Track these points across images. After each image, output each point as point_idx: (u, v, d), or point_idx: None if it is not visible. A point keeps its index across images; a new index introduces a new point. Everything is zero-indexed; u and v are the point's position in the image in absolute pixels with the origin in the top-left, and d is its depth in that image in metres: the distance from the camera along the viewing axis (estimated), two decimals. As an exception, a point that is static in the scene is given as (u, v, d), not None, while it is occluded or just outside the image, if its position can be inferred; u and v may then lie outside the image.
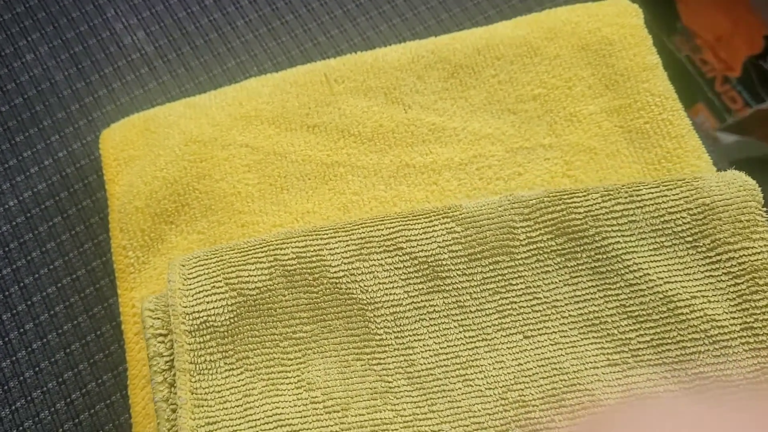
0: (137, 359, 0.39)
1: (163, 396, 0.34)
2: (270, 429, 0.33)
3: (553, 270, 0.36)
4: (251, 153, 0.43)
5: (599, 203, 0.36)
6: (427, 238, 0.36)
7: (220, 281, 0.35)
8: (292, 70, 0.45)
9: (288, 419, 0.33)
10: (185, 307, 0.34)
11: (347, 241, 0.36)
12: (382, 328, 0.35)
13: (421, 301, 0.35)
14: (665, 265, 0.35)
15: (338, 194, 0.42)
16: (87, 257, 0.44)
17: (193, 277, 0.35)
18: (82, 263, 0.44)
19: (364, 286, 0.35)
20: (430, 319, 0.35)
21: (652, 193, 0.36)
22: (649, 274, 0.35)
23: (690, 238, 0.35)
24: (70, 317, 0.43)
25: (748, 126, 0.85)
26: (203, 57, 0.50)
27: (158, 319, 0.35)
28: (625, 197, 0.36)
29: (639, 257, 0.35)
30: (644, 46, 0.44)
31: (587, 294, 0.35)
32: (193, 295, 0.35)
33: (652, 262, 0.35)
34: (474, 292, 0.35)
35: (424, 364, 0.34)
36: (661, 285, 0.34)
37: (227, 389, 0.34)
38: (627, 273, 0.35)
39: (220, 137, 0.43)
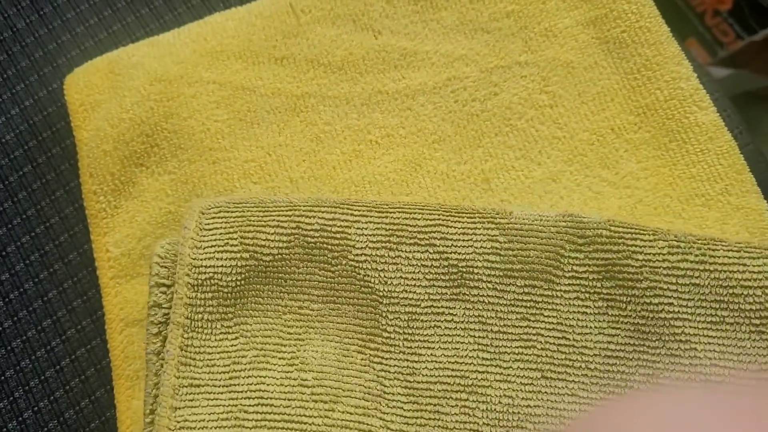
0: (113, 303, 0.38)
1: (155, 348, 0.33)
2: (251, 405, 0.31)
3: (591, 314, 0.32)
4: (219, 89, 0.41)
5: (663, 255, 0.31)
6: (464, 241, 0.33)
7: (236, 239, 0.33)
8: (257, 2, 0.44)
9: (271, 397, 0.31)
10: (193, 258, 0.32)
11: (378, 224, 0.33)
12: (392, 326, 0.32)
13: (441, 307, 0.32)
14: (718, 345, 0.30)
15: (310, 125, 0.40)
16: (59, 205, 0.43)
17: (209, 229, 0.33)
18: (54, 211, 0.43)
19: (385, 277, 0.32)
20: (446, 328, 0.32)
21: (729, 257, 0.31)
22: (696, 349, 0.30)
23: (758, 321, 0.30)
24: (45, 265, 0.42)
25: (741, 59, 0.84)
26: (167, -4, 0.48)
27: (165, 268, 0.34)
28: (696, 255, 0.31)
29: (690, 327, 0.31)
30: (619, -45, 0.42)
31: (621, 351, 0.31)
32: (204, 248, 0.33)
33: (704, 336, 0.31)
34: (500, 311, 0.32)
35: (427, 376, 0.32)
36: (706, 366, 0.30)
37: (217, 353, 0.32)
38: (671, 341, 0.31)
39: (185, 74, 0.42)
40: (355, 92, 0.41)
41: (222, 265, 0.33)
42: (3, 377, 0.40)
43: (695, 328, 0.31)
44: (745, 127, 0.43)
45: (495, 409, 0.31)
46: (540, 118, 0.40)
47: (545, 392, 0.31)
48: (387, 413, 0.31)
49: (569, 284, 0.32)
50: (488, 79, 0.41)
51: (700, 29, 0.87)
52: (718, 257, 0.31)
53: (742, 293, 0.30)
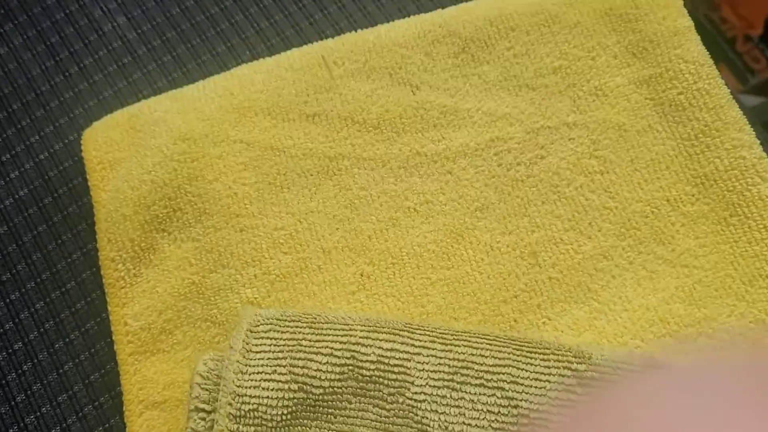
0: (132, 383, 0.36)
1: None
2: None
3: None
4: (246, 149, 0.39)
5: None
6: (537, 388, 0.29)
7: (284, 366, 0.30)
8: (287, 53, 0.41)
9: None
10: (238, 386, 0.30)
11: (441, 358, 0.30)
12: None
13: None
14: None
15: (344, 190, 0.38)
16: (76, 268, 0.41)
17: (257, 351, 0.31)
18: (71, 275, 0.41)
19: (446, 421, 0.29)
20: None
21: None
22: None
23: None
24: (61, 334, 0.40)
25: (774, 86, 0.81)
26: (190, 42, 0.45)
27: (206, 390, 0.31)
28: None
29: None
30: (674, 8, 0.40)
31: None
32: (250, 374, 0.30)
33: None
34: None
35: None
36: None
37: None
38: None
39: (211, 133, 0.39)
40: (392, 154, 0.38)
41: (268, 396, 0.30)
42: (15, 458, 0.38)
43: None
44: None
45: None
46: (590, 186, 0.37)
47: None
48: None
49: None
50: (534, 140, 0.38)
51: (731, 55, 0.84)
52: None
53: None
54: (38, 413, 0.38)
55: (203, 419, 0.30)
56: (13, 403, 0.39)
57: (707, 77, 0.38)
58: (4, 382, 0.39)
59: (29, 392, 0.39)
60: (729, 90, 0.38)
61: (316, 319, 0.31)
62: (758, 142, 0.37)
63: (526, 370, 0.30)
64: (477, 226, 0.37)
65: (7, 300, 0.40)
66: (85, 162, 0.40)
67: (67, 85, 0.45)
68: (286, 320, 0.31)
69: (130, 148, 0.40)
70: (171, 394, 0.36)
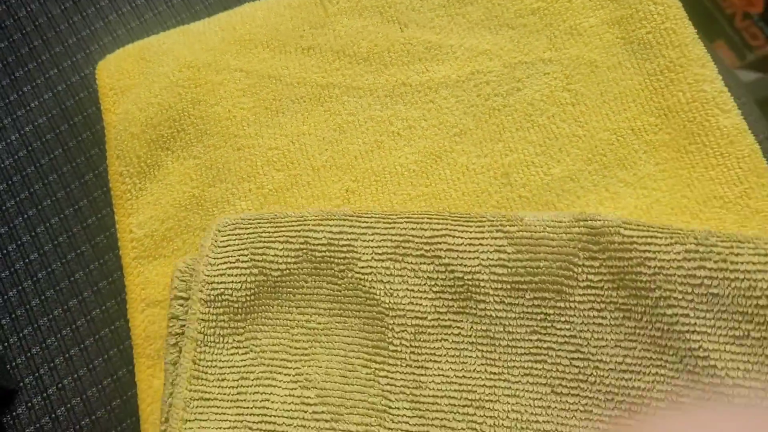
0: (135, 283, 0.39)
1: (172, 359, 0.33)
2: (255, 422, 0.31)
3: (607, 325, 0.30)
4: (245, 77, 0.42)
5: (678, 261, 0.29)
6: (470, 252, 0.32)
7: (246, 255, 0.33)
8: (286, -7, 0.44)
9: (274, 415, 0.31)
10: (207, 275, 0.33)
11: (384, 235, 0.33)
12: (399, 338, 0.32)
13: (449, 320, 0.32)
14: (742, 362, 0.27)
15: (334, 115, 0.41)
16: (88, 188, 0.44)
17: (222, 246, 0.34)
18: (83, 194, 0.44)
19: (390, 289, 0.32)
20: (453, 342, 0.31)
21: (754, 262, 0.27)
22: (716, 367, 0.27)
23: None
24: (73, 246, 0.43)
25: (771, 63, 0.83)
26: (199, -14, 0.49)
27: (184, 281, 0.34)
28: (716, 261, 0.28)
29: (710, 343, 0.28)
30: (646, -46, 0.42)
31: (638, 365, 0.29)
32: (216, 265, 0.33)
33: (725, 352, 0.27)
34: (509, 325, 0.31)
35: (433, 390, 0.31)
36: (729, 386, 0.27)
37: (228, 367, 0.33)
38: (689, 357, 0.28)
39: (214, 62, 0.43)
40: (379, 83, 0.41)
41: (233, 281, 0.33)
42: (30, 353, 0.41)
43: (715, 342, 0.27)
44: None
45: (503, 425, 0.30)
46: (561, 116, 0.40)
47: (555, 408, 0.30)
48: (391, 429, 0.31)
49: (583, 294, 0.30)
50: (511, 74, 0.41)
51: (729, 32, 0.86)
52: (741, 263, 0.27)
53: None
54: (50, 315, 0.42)
55: (181, 305, 0.34)
56: (28, 306, 0.42)
57: (674, 17, 0.40)
58: (21, 287, 0.42)
59: (43, 297, 0.42)
60: (695, 31, 0.40)
61: (275, 216, 0.34)
62: (720, 77, 0.39)
63: (461, 238, 0.32)
64: (455, 149, 0.40)
65: (25, 216, 0.44)
66: (99, 88, 0.43)
67: (84, 24, 0.48)
68: (249, 219, 0.34)
69: (140, 76, 0.43)
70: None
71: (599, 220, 0.31)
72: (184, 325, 0.34)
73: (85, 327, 0.41)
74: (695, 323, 0.28)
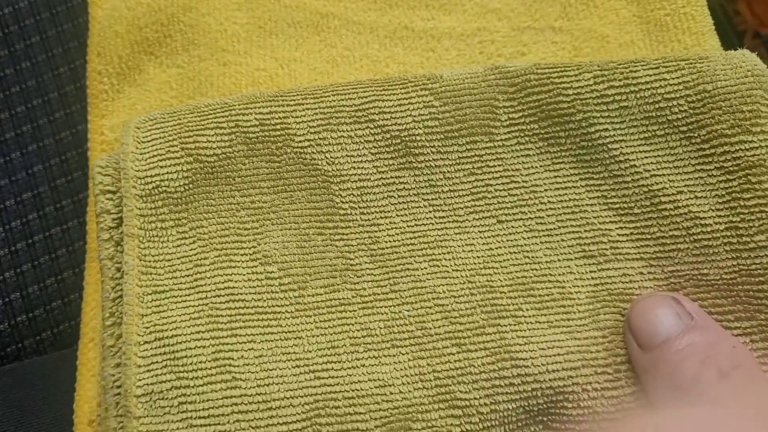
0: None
1: (108, 254, 0.32)
2: (221, 302, 0.31)
3: (534, 154, 0.33)
4: (243, -9, 0.40)
5: (591, 86, 0.33)
6: (401, 111, 0.33)
7: (176, 146, 0.33)
8: None
9: (240, 293, 0.31)
10: (137, 170, 0.32)
11: (315, 109, 0.33)
12: (347, 202, 0.33)
13: (391, 177, 0.33)
14: (654, 157, 0.32)
15: (329, 47, 0.39)
16: (61, 81, 0.42)
17: (148, 141, 0.33)
18: (54, 86, 0.42)
19: (331, 157, 0.33)
20: (399, 196, 0.33)
21: (650, 75, 0.33)
22: (635, 166, 0.32)
23: (684, 128, 0.32)
24: (35, 138, 0.41)
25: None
26: None
27: (108, 176, 0.33)
28: (620, 80, 0.33)
29: (627, 147, 0.33)
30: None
31: (568, 181, 0.33)
32: (146, 159, 0.32)
33: (640, 152, 0.32)
34: (448, 171, 0.33)
35: (389, 241, 0.33)
36: (647, 178, 0.32)
37: (178, 258, 0.32)
38: (612, 163, 0.33)
39: (212, -31, 0.40)
40: (381, 23, 0.40)
41: (167, 173, 0.32)
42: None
43: (631, 146, 0.32)
44: None
45: (459, 257, 0.32)
46: (562, 86, 0.39)
47: (503, 234, 0.33)
48: (357, 283, 0.32)
49: (508, 132, 0.33)
50: (518, 38, 0.40)
51: (736, 48, 0.85)
52: (640, 77, 0.33)
53: (667, 105, 0.32)
54: (2, 206, 0.40)
55: (110, 200, 0.33)
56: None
57: (695, 3, 0.39)
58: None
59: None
60: (713, 21, 0.39)
61: (196, 106, 0.34)
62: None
63: (390, 100, 0.33)
64: (448, 101, 0.38)
65: (-10, 99, 0.42)
66: (86, -22, 0.41)
67: None
68: (168, 113, 0.34)
69: (133, -28, 0.41)
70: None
71: (512, 66, 0.34)
72: (115, 219, 0.33)
73: (36, 223, 0.40)
74: (614, 134, 0.33)
